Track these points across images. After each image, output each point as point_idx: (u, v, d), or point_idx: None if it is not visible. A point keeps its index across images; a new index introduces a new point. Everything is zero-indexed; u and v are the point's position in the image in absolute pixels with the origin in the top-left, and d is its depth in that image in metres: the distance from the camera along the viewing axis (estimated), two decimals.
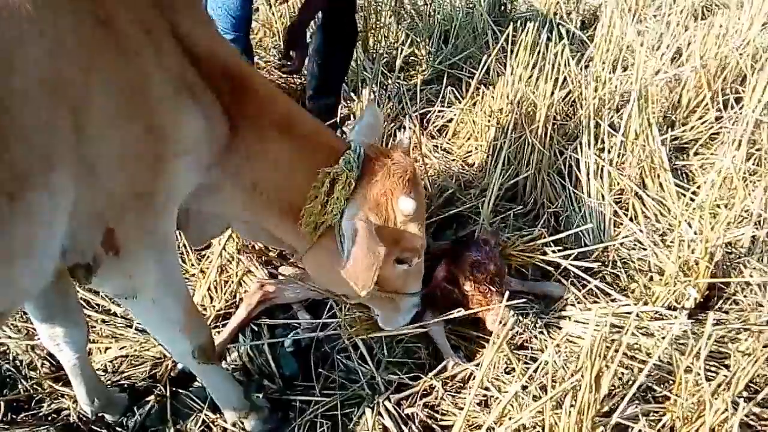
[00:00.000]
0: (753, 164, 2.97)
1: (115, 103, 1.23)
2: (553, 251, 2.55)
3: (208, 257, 2.59)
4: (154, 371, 2.20)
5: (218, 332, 2.33)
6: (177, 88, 1.35)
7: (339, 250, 1.70)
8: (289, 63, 2.91)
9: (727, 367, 2.15)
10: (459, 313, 2.14)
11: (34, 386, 2.13)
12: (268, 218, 1.76)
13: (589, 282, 2.42)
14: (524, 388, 1.99)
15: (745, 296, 2.50)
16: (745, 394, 1.96)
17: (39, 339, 2.06)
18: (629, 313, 2.26)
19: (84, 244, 1.30)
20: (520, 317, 2.24)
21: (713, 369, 2.14)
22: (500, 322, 2.13)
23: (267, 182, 1.67)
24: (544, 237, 2.63)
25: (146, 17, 1.31)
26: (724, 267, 2.56)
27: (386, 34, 4.12)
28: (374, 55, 3.88)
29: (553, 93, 2.96)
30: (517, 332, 2.26)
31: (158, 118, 1.32)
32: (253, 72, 1.67)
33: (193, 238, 1.93)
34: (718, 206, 2.72)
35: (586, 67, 3.43)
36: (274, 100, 1.66)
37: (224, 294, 2.44)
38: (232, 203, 1.70)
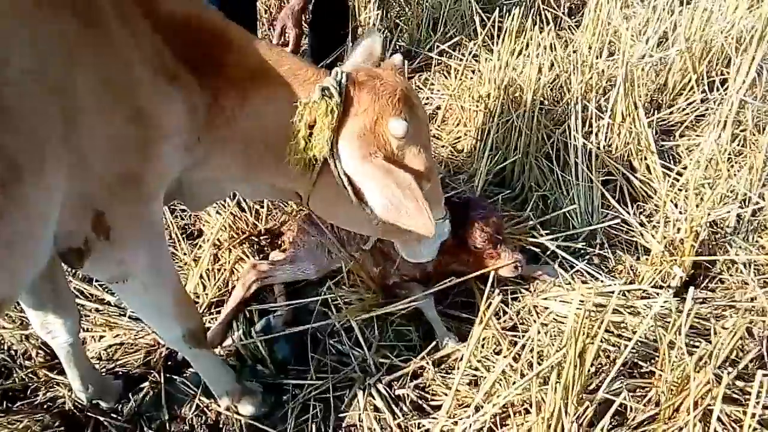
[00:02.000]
0: (738, 145, 3.00)
1: (98, 92, 1.25)
2: (541, 234, 2.58)
3: (201, 246, 2.62)
4: (148, 358, 2.23)
5: (212, 320, 2.36)
6: (155, 72, 1.36)
7: (342, 187, 1.59)
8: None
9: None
10: (451, 282, 2.16)
11: (30, 375, 2.16)
12: (264, 171, 1.70)
13: (576, 264, 2.46)
14: (512, 366, 2.02)
15: (730, 275, 2.54)
16: (730, 369, 2.00)
17: (33, 328, 2.09)
18: (613, 292, 2.29)
19: (75, 228, 1.32)
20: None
21: (698, 345, 2.18)
22: (515, 267, 2.22)
23: (256, 138, 1.60)
24: (532, 220, 2.66)
25: (124, 4, 1.33)
26: (710, 246, 2.60)
27: (375, 23, 4.12)
28: None
29: (539, 78, 2.98)
30: (504, 312, 2.30)
31: (140, 103, 1.33)
32: (225, 27, 1.56)
33: (193, 204, 1.86)
34: (703, 186, 2.76)
35: (574, 51, 3.44)
36: (248, 50, 1.57)
37: (217, 282, 2.47)
38: (225, 168, 1.67)
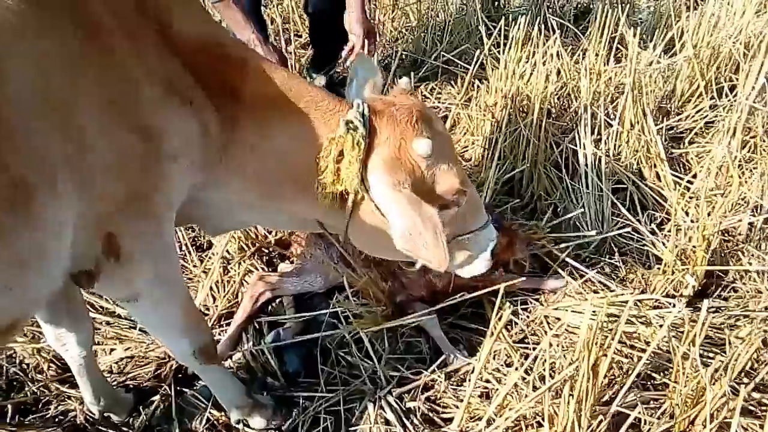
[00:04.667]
0: (748, 151, 2.98)
1: (102, 109, 1.23)
2: (551, 243, 2.57)
3: (210, 258, 2.62)
4: (158, 371, 2.23)
5: (222, 332, 2.36)
6: (165, 92, 1.34)
7: (379, 216, 1.59)
8: None
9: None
10: (454, 300, 2.16)
11: (41, 389, 2.16)
12: (284, 201, 1.69)
13: (587, 273, 2.44)
14: (524, 379, 2.01)
15: (744, 284, 2.52)
16: (746, 380, 1.98)
17: (45, 342, 2.09)
18: (626, 302, 2.28)
19: (85, 250, 1.31)
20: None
21: (713, 356, 2.15)
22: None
23: (275, 167, 1.60)
24: (542, 230, 2.65)
25: (131, 22, 1.31)
26: (723, 255, 2.58)
27: (381, 32, 4.13)
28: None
29: (546, 86, 2.98)
30: (515, 324, 2.29)
31: (147, 122, 1.32)
32: (245, 55, 1.58)
33: (210, 229, 1.88)
34: (715, 195, 2.74)
35: (583, 58, 3.44)
36: (268, 79, 1.55)
37: (227, 294, 2.47)
38: (241, 195, 1.66)
